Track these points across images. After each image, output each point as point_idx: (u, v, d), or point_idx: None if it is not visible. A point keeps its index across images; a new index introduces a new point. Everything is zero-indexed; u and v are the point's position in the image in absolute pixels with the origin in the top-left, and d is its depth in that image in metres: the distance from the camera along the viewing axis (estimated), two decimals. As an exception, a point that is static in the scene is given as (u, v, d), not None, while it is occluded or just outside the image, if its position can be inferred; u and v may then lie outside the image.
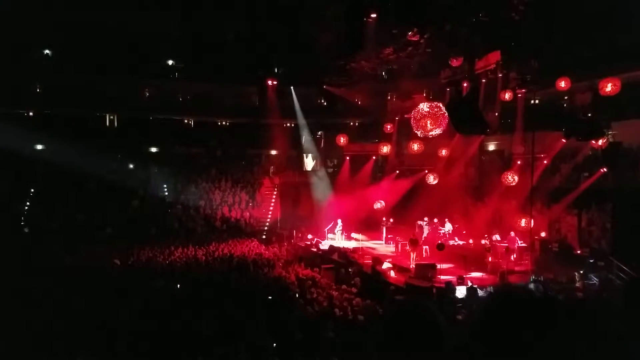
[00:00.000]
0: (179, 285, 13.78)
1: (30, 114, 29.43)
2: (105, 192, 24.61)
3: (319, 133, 31.37)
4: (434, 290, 14.02)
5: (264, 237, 24.89)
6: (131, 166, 27.75)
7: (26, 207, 23.70)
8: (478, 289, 13.53)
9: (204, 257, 18.56)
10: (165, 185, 27.37)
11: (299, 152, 30.44)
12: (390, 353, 1.74)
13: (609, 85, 15.70)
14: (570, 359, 1.40)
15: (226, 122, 34.10)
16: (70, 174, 23.71)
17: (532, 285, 14.04)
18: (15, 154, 23.84)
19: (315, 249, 21.15)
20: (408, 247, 17.99)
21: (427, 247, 18.91)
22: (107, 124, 31.48)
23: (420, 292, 13.90)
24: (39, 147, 27.12)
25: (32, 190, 24.43)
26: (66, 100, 28.04)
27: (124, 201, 25.06)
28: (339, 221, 23.23)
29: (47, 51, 29.75)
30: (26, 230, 22.32)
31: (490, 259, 16.94)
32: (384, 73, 25.95)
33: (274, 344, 8.41)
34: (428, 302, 1.88)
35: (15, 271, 14.65)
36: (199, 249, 20.01)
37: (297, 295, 12.73)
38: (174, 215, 25.52)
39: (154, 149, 30.73)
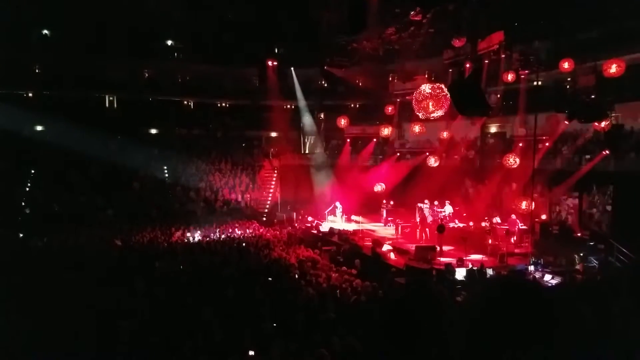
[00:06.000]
0: (181, 267, 13.82)
1: (30, 94, 29.26)
2: (105, 173, 24.62)
3: (320, 115, 31.16)
4: (434, 272, 14.09)
5: (264, 219, 24.92)
6: (131, 148, 27.71)
7: (27, 189, 23.72)
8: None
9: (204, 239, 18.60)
10: (165, 167, 27.35)
11: (299, 134, 30.30)
12: (391, 333, 1.72)
13: (613, 66, 15.46)
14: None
15: (226, 104, 33.90)
16: (70, 156, 23.69)
17: (531, 267, 14.14)
18: (15, 135, 23.76)
19: (315, 231, 21.19)
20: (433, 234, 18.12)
21: (427, 229, 19.01)
22: (107, 105, 31.33)
23: (420, 274, 13.97)
24: (39, 128, 27.02)
25: (33, 172, 24.42)
26: (65, 82, 27.87)
27: (125, 183, 25.07)
28: (338, 203, 23.27)
29: (45, 31, 29.44)
30: (27, 211, 22.36)
31: (490, 241, 16.98)
32: (385, 53, 25.63)
33: (274, 325, 8.44)
34: (430, 283, 1.86)
35: (15, 252, 14.72)
36: (199, 230, 20.05)
37: (297, 277, 12.77)
38: (175, 197, 25.56)
39: (154, 131, 30.63)
